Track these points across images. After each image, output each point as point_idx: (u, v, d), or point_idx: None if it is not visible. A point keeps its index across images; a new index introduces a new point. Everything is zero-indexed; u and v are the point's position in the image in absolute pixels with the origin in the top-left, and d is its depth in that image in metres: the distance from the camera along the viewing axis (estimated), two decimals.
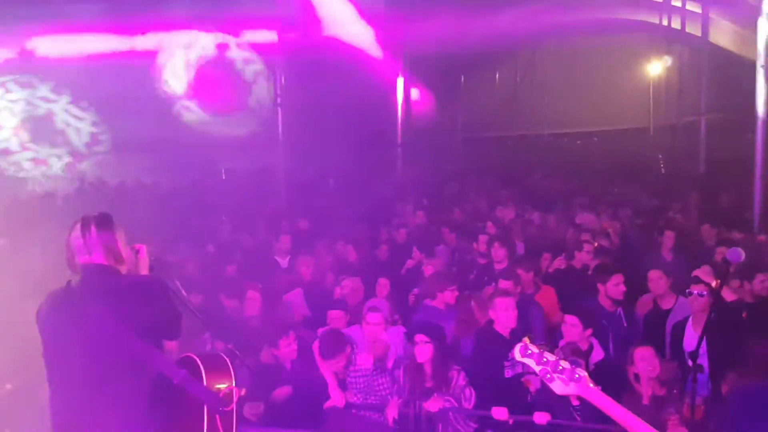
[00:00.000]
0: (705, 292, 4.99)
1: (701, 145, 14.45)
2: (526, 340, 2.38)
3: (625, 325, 5.75)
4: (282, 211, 11.46)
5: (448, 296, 6.06)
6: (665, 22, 21.29)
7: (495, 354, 5.11)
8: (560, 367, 2.27)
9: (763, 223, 8.84)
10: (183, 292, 3.25)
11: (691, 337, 5.17)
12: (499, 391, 5.05)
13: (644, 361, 4.57)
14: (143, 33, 16.83)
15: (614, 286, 5.71)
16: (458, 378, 4.99)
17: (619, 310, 5.77)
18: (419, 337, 4.96)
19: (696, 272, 5.18)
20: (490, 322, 5.33)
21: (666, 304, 5.76)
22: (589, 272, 6.65)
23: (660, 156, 19.38)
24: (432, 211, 11.19)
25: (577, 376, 2.24)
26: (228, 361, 3.05)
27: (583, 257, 7.22)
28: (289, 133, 12.75)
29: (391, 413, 5.04)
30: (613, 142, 22.81)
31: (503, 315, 5.20)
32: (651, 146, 21.37)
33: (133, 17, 16.17)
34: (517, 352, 2.37)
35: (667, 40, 21.56)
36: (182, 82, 17.61)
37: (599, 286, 5.84)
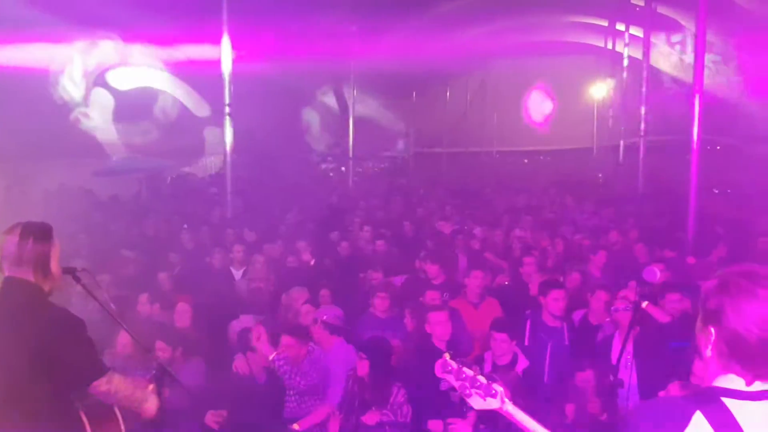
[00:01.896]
0: (630, 308, 5.19)
1: (641, 166, 14.92)
2: (446, 356, 2.42)
3: (567, 343, 5.85)
4: (228, 221, 11.35)
5: (379, 303, 6.14)
6: (610, 46, 22.04)
7: (432, 367, 5.16)
8: (477, 383, 2.30)
9: (695, 242, 9.15)
10: (111, 305, 3.18)
11: (617, 351, 5.38)
12: (436, 403, 5.11)
13: (583, 382, 4.71)
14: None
15: (554, 301, 5.82)
16: (397, 394, 5.06)
17: (563, 325, 5.87)
18: (360, 354, 5.04)
19: (623, 291, 5.39)
20: (428, 335, 5.40)
21: (596, 320, 5.93)
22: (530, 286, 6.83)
23: (600, 175, 19.94)
24: (380, 224, 11.26)
25: (493, 391, 2.28)
26: (116, 410, 2.93)
27: (527, 270, 7.37)
28: (239, 143, 12.65)
29: (333, 428, 5.06)
30: (558, 161, 23.43)
31: (437, 329, 5.29)
32: (595, 166, 21.99)
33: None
34: (437, 369, 2.41)
35: (611, 63, 22.29)
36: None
37: (541, 300, 5.98)
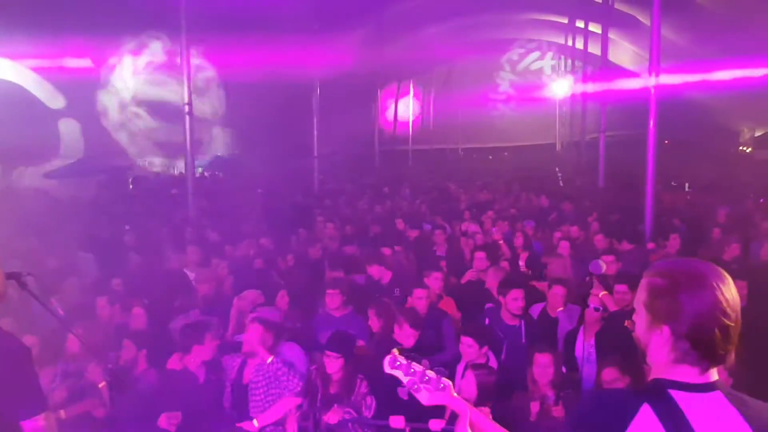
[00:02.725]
0: (601, 308, 5.35)
1: (601, 160, 15.13)
2: (395, 351, 2.38)
3: (524, 341, 5.86)
4: (188, 221, 11.20)
5: (329, 301, 6.15)
6: (570, 43, 22.33)
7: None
8: (426, 378, 2.27)
9: (653, 234, 9.32)
10: (60, 311, 3.08)
11: (581, 345, 5.46)
12: (397, 399, 5.09)
13: (540, 367, 4.72)
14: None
15: (513, 301, 5.86)
16: (360, 386, 5.02)
17: (521, 323, 5.90)
18: (329, 353, 4.96)
19: (594, 290, 5.51)
20: (390, 332, 5.38)
21: (555, 313, 6.01)
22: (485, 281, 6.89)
23: (557, 169, 20.17)
24: (346, 222, 11.24)
25: (441, 385, 2.25)
26: None
27: (479, 265, 7.41)
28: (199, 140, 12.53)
29: (291, 427, 5.00)
30: (522, 157, 23.67)
31: (402, 333, 5.29)
32: (557, 161, 22.24)
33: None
34: (386, 364, 2.36)
35: (571, 59, 22.59)
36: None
37: (500, 299, 6.01)
